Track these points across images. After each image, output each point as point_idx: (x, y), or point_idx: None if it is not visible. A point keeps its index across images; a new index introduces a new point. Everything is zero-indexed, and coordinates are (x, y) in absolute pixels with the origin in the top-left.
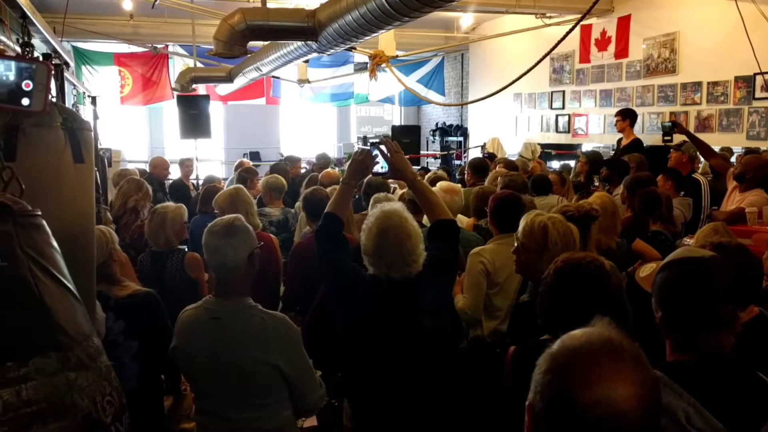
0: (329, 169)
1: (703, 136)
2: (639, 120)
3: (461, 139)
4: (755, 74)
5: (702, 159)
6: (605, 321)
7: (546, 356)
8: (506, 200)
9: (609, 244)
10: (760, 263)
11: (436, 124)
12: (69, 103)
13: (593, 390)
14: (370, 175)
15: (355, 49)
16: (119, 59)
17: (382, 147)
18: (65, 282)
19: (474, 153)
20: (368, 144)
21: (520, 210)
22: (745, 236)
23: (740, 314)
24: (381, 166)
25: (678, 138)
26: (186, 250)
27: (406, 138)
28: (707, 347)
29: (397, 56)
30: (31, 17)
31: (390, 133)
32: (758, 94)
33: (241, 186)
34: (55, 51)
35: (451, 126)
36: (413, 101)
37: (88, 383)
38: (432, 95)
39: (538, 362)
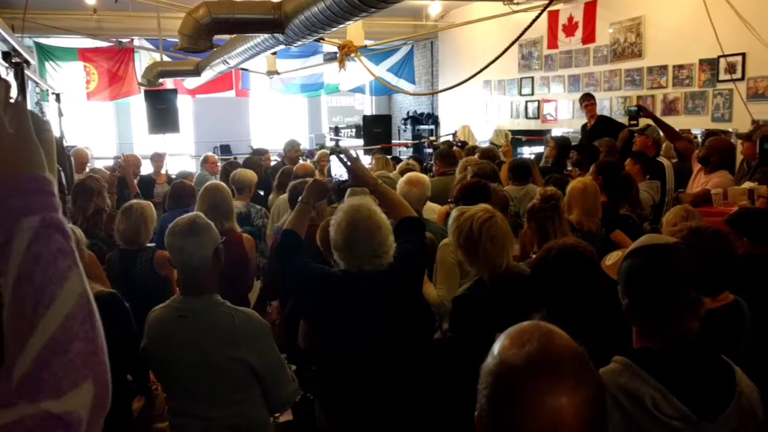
0: (302, 162)
1: (669, 119)
2: (607, 104)
3: (432, 127)
4: (719, 57)
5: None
6: (544, 323)
7: (486, 374)
8: (474, 187)
9: (590, 227)
10: (733, 248)
11: (408, 112)
12: (32, 101)
13: (536, 411)
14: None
15: (323, 39)
16: (84, 54)
17: (342, 156)
18: None
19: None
20: (337, 144)
21: (486, 197)
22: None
23: (706, 300)
24: (340, 175)
25: (643, 122)
26: (155, 247)
27: (378, 127)
28: (672, 333)
29: (366, 46)
30: None
31: (361, 123)
32: (722, 76)
33: (221, 184)
34: (14, 50)
35: (422, 114)
36: (384, 90)
37: None
38: (402, 84)
39: (481, 374)
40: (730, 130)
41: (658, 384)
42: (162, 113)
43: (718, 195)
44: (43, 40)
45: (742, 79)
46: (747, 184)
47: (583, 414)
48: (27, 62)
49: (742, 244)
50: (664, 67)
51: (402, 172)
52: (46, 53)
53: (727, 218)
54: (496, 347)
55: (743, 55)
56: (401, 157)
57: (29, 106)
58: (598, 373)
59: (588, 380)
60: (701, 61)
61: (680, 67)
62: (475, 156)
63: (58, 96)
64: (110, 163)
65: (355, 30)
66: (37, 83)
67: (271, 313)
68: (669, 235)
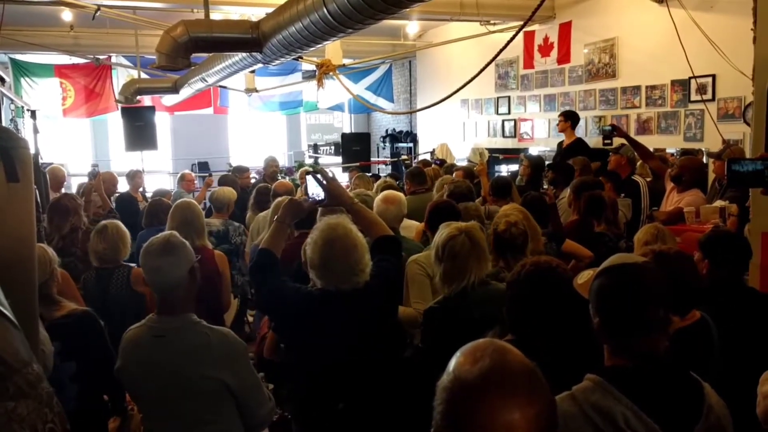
0: (281, 179)
1: (642, 139)
2: (582, 123)
3: (411, 145)
4: (690, 78)
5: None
6: (498, 340)
7: (441, 391)
8: (440, 207)
9: (537, 248)
10: (695, 268)
11: (386, 130)
12: (6, 118)
13: (489, 426)
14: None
15: (301, 58)
16: (60, 71)
17: (318, 176)
18: (0, 308)
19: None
20: (316, 162)
21: (455, 217)
22: (679, 235)
23: (675, 318)
24: (317, 194)
25: (617, 141)
26: (130, 265)
27: (357, 145)
28: (642, 351)
29: (344, 65)
30: None
31: (340, 141)
32: (693, 97)
33: (192, 202)
34: None
35: (400, 132)
36: (363, 108)
37: (28, 411)
38: (381, 102)
39: (437, 391)
40: (702, 149)
41: (629, 402)
42: (139, 130)
43: (691, 213)
44: (18, 56)
45: (713, 99)
46: (718, 203)
47: (535, 429)
48: (2, 79)
49: (705, 266)
50: (638, 88)
51: (381, 190)
52: (21, 69)
53: (701, 239)
54: (452, 364)
55: (713, 76)
56: (381, 174)
57: (4, 122)
58: (549, 390)
59: (540, 396)
60: (673, 82)
61: (653, 87)
62: (454, 174)
63: (33, 113)
64: (86, 180)
65: (333, 49)
66: (12, 100)
67: (262, 326)
68: (638, 254)
